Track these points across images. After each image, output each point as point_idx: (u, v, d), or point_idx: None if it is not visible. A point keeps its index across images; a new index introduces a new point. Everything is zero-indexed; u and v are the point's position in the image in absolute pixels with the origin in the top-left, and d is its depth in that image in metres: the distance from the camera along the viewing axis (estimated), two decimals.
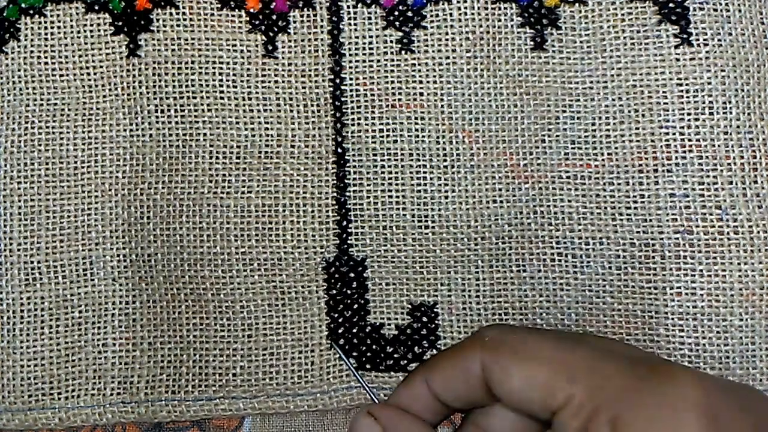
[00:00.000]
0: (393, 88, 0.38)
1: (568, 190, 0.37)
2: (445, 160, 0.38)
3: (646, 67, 0.37)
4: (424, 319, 0.38)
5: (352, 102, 0.38)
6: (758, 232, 0.36)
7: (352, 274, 0.38)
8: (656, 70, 0.37)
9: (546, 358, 0.31)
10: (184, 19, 0.38)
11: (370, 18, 0.38)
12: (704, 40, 0.37)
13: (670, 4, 0.37)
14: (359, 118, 0.38)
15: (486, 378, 0.32)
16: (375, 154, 0.38)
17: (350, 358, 0.38)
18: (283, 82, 0.38)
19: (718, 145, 0.36)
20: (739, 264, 0.36)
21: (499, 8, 0.38)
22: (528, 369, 0.31)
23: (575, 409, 0.29)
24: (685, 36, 0.37)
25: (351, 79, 0.38)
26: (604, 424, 0.28)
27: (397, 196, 0.38)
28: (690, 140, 0.37)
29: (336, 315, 0.38)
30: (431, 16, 0.38)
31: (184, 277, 0.38)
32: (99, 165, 0.38)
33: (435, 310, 0.38)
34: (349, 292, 0.38)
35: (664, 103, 0.37)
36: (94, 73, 0.38)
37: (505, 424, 0.33)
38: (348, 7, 0.38)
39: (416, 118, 0.38)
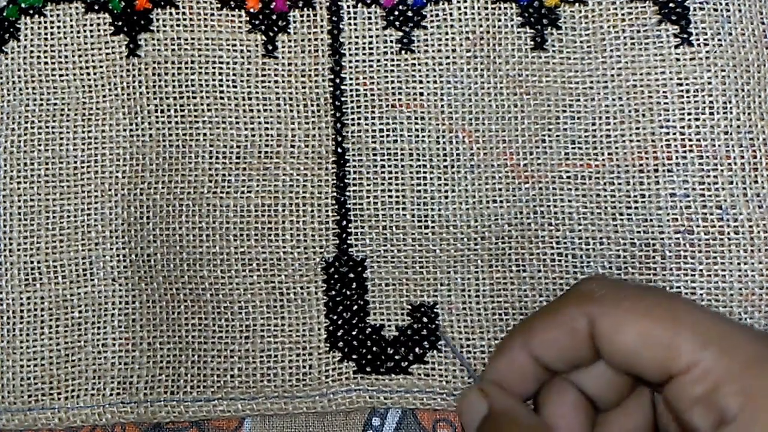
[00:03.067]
0: (393, 87, 0.38)
1: (568, 190, 0.37)
2: (445, 160, 0.38)
3: (647, 67, 0.37)
4: (425, 319, 0.38)
5: (352, 102, 0.38)
6: (758, 232, 0.36)
7: (351, 275, 0.38)
8: (656, 70, 0.37)
9: (667, 317, 0.29)
10: (184, 19, 0.38)
11: (370, 18, 0.38)
12: (704, 40, 0.37)
13: (671, 4, 0.37)
14: (359, 118, 0.38)
15: (594, 334, 0.30)
16: (375, 154, 0.38)
17: (351, 361, 0.38)
18: (283, 81, 0.38)
19: (719, 145, 0.36)
20: (739, 264, 0.36)
21: (499, 8, 0.38)
22: (647, 326, 0.29)
23: (701, 374, 0.27)
24: (685, 36, 0.37)
25: (351, 78, 0.38)
26: (734, 393, 0.27)
27: (397, 196, 0.38)
28: (690, 140, 0.37)
29: (335, 316, 0.38)
30: (431, 15, 0.38)
31: (183, 277, 0.38)
32: (99, 165, 0.38)
33: (435, 310, 0.38)
34: (348, 292, 0.38)
35: (665, 103, 0.37)
36: (94, 73, 0.38)
37: (600, 383, 0.32)
38: (348, 6, 0.38)
39: (416, 118, 0.38)
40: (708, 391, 0.27)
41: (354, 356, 0.38)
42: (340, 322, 0.38)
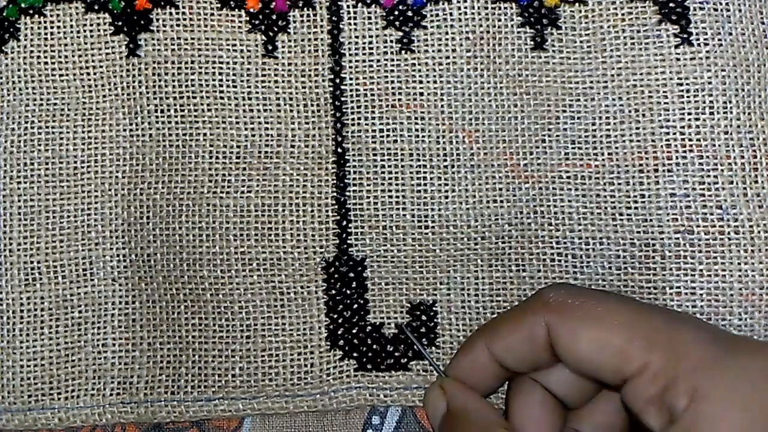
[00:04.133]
0: (393, 87, 0.38)
1: (568, 190, 0.37)
2: (445, 160, 0.38)
3: (647, 66, 0.37)
4: (424, 318, 0.38)
5: (352, 102, 0.38)
6: (759, 231, 0.36)
7: (351, 274, 0.38)
8: (656, 69, 0.37)
9: (620, 323, 0.30)
10: (184, 19, 0.38)
11: (370, 18, 0.38)
12: (704, 39, 0.37)
13: (671, 4, 0.37)
14: (359, 118, 0.38)
15: (552, 341, 0.31)
16: (375, 154, 0.38)
17: (351, 359, 0.38)
18: (283, 81, 0.38)
19: (719, 145, 0.36)
20: (739, 264, 0.36)
21: (499, 8, 0.38)
22: (600, 333, 0.30)
23: (651, 376, 0.28)
24: (685, 36, 0.37)
25: (351, 78, 0.38)
26: (682, 393, 0.27)
27: (397, 196, 0.38)
28: (690, 140, 0.37)
29: (335, 315, 0.38)
30: (431, 15, 0.38)
31: (183, 277, 0.38)
32: (99, 165, 0.38)
33: (434, 309, 0.38)
34: (348, 291, 0.38)
35: (665, 103, 0.37)
36: (94, 73, 0.38)
37: (565, 383, 0.33)
38: (348, 6, 0.38)
39: (416, 118, 0.38)
40: (660, 391, 0.28)
41: (354, 354, 0.38)
42: (340, 321, 0.38)
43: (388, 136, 0.38)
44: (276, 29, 0.38)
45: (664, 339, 0.29)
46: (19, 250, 0.38)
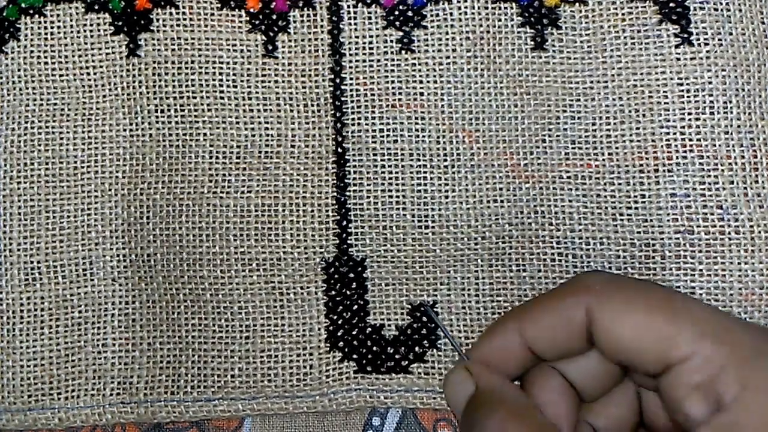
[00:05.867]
0: (393, 87, 0.38)
1: (568, 190, 0.37)
2: (445, 160, 0.38)
3: (647, 66, 0.37)
4: (424, 318, 0.38)
5: (352, 102, 0.38)
6: (759, 231, 0.36)
7: (351, 275, 0.38)
8: (657, 69, 0.37)
9: (666, 309, 0.29)
10: (184, 19, 0.38)
11: (370, 18, 0.38)
12: (705, 39, 0.37)
13: (671, 4, 0.37)
14: (359, 118, 0.38)
15: (591, 325, 0.30)
16: (375, 154, 0.38)
17: (351, 361, 0.38)
18: (283, 81, 0.38)
19: (719, 145, 0.36)
20: (739, 264, 0.36)
21: (499, 8, 0.38)
22: (644, 318, 0.29)
23: (700, 363, 0.28)
24: (685, 36, 0.37)
25: (351, 78, 0.38)
26: (732, 382, 0.27)
27: (397, 196, 0.38)
28: (691, 140, 0.37)
29: (335, 316, 0.38)
30: (431, 15, 0.38)
31: (183, 277, 0.38)
32: (99, 165, 0.38)
33: (434, 309, 0.38)
34: (348, 292, 0.38)
35: (665, 103, 0.37)
36: (94, 73, 0.38)
37: (585, 374, 0.32)
38: (348, 6, 0.38)
39: (416, 118, 0.38)
40: (706, 379, 0.28)
41: (354, 356, 0.38)
42: (340, 322, 0.38)
43: (388, 136, 0.38)
44: (276, 29, 0.39)
45: (712, 328, 0.29)
46: (19, 250, 0.38)
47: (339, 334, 0.38)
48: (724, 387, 0.27)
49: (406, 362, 0.38)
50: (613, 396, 0.33)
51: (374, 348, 0.38)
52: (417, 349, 0.38)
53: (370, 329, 0.38)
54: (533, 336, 0.32)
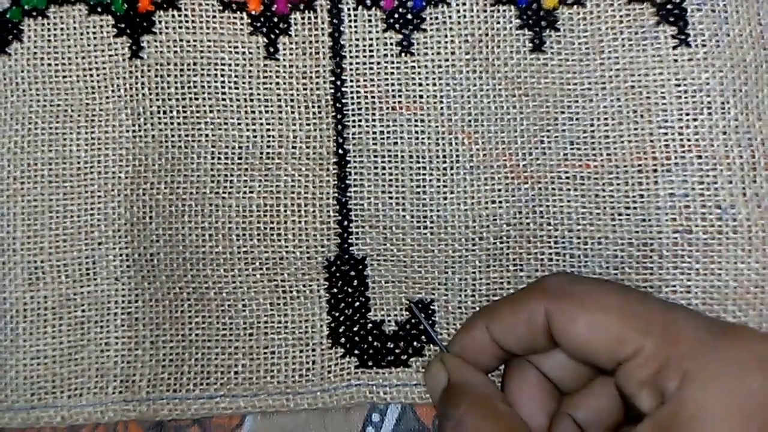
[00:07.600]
0: (393, 90, 0.38)
1: (567, 190, 0.37)
2: (444, 161, 0.38)
3: (645, 68, 0.37)
4: (422, 315, 0.38)
5: (352, 104, 0.38)
6: (756, 231, 0.36)
7: (352, 273, 0.38)
8: (654, 70, 0.37)
9: (615, 308, 0.30)
10: (186, 22, 0.39)
11: (370, 20, 0.39)
12: (702, 41, 0.37)
13: (668, 6, 0.37)
14: (360, 120, 0.38)
15: (549, 326, 0.31)
16: (375, 155, 0.38)
17: (352, 356, 0.38)
18: (285, 83, 0.39)
19: (717, 145, 0.36)
20: (735, 263, 0.36)
21: (498, 10, 0.38)
22: (595, 318, 0.30)
23: (644, 360, 0.29)
24: (683, 37, 0.37)
25: (352, 81, 0.38)
26: (673, 376, 0.28)
27: (397, 197, 0.38)
28: (689, 140, 0.37)
29: (337, 313, 0.38)
30: (431, 18, 0.38)
31: (186, 276, 0.38)
32: (102, 166, 0.38)
33: (432, 307, 0.38)
34: (349, 290, 0.38)
35: (663, 104, 0.37)
36: (97, 75, 0.39)
37: (560, 367, 0.33)
38: (348, 9, 0.39)
39: (416, 120, 0.38)
40: (652, 373, 0.29)
41: (356, 352, 0.38)
42: (341, 319, 0.38)
43: (388, 137, 0.38)
44: (277, 32, 0.39)
45: (658, 324, 0.30)
46: (22, 249, 0.38)
47: (341, 330, 0.38)
48: (666, 381, 0.28)
49: (405, 356, 0.38)
50: (593, 388, 0.33)
51: (375, 343, 0.38)
52: (415, 343, 0.38)
53: (371, 325, 0.38)
54: (499, 334, 0.33)
